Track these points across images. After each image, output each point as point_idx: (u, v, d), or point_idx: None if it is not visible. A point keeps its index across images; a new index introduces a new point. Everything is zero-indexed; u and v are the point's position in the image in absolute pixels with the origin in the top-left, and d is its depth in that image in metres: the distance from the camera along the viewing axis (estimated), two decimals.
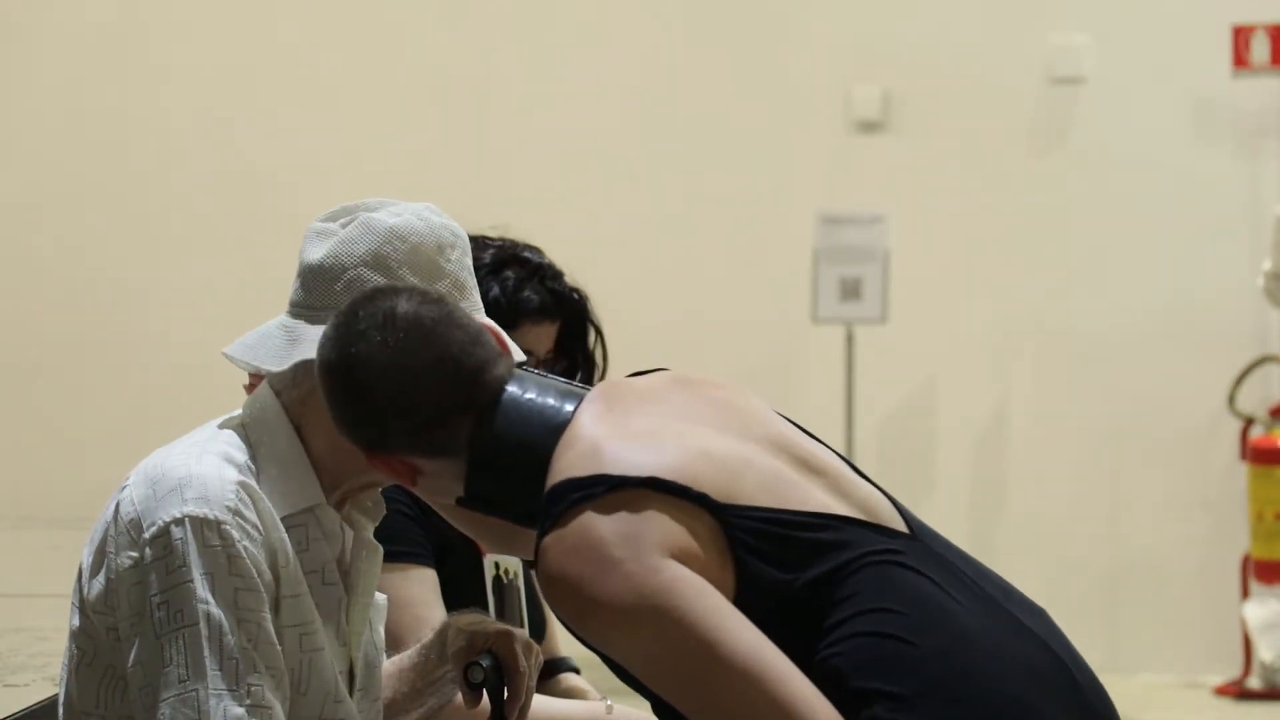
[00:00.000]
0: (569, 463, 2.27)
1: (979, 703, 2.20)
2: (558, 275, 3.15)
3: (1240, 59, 7.18)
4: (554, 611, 2.25)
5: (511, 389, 2.31)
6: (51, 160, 7.78)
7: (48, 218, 7.80)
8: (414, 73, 7.60)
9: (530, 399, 2.31)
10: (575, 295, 3.15)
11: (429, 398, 2.28)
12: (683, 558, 2.20)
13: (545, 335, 3.12)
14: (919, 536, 2.31)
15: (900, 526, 2.30)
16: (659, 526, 2.21)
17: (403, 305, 2.27)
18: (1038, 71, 7.26)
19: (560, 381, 2.37)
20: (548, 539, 2.23)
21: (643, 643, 2.19)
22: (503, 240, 3.16)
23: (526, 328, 2.97)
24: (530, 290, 3.09)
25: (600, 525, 2.21)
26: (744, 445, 2.30)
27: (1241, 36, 7.18)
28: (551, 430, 2.30)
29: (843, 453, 2.44)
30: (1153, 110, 7.25)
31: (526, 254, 3.14)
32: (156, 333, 7.62)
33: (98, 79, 7.75)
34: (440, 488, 2.35)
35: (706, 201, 7.41)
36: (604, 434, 2.28)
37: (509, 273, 3.06)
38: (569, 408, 2.31)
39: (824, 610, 2.22)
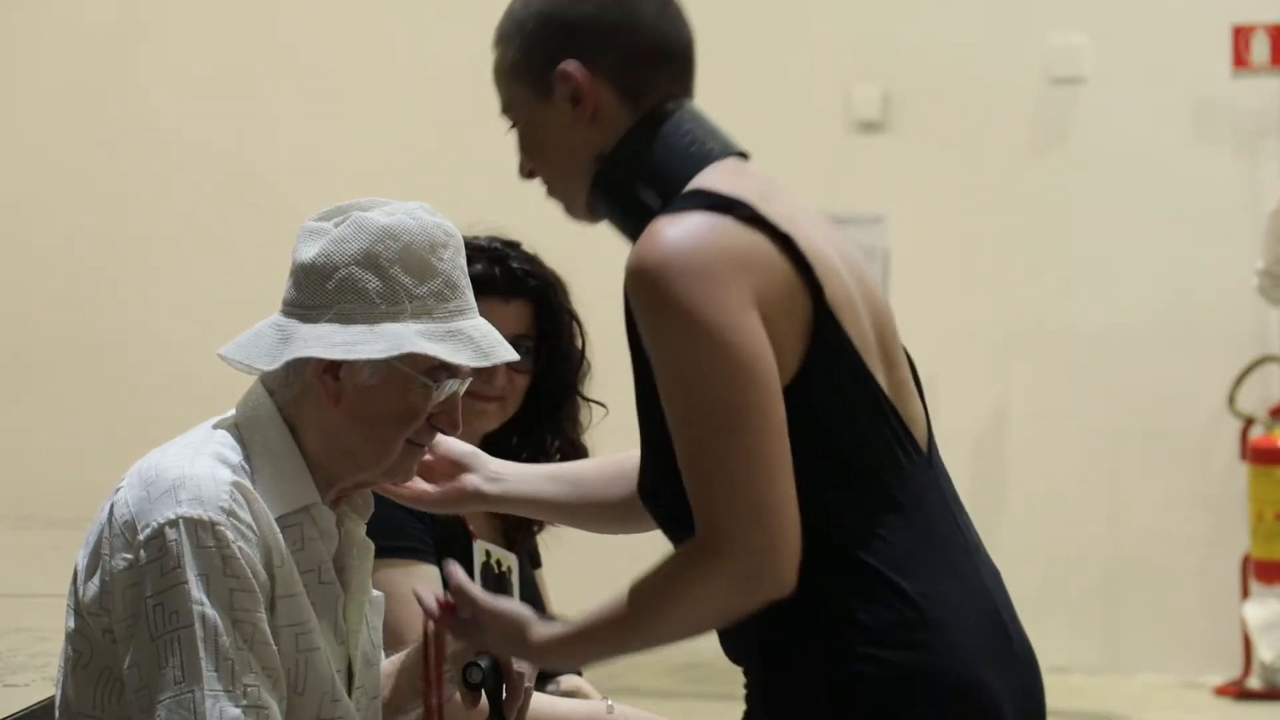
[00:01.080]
0: (716, 179, 2.28)
1: (942, 649, 2.24)
2: (527, 259, 3.13)
3: (1240, 59, 7.18)
4: (628, 280, 2.21)
5: (688, 105, 2.35)
6: (50, 161, 7.78)
7: (47, 218, 7.80)
8: (413, 73, 7.60)
9: (702, 122, 2.34)
10: (535, 280, 3.12)
11: (652, 38, 2.32)
12: (769, 318, 2.19)
13: (509, 317, 3.09)
14: (933, 465, 2.34)
15: (923, 449, 2.33)
16: (772, 279, 2.20)
17: None
18: (1037, 71, 7.26)
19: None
20: (667, 218, 2.21)
21: (685, 365, 2.18)
22: (486, 236, 3.15)
23: (480, 304, 2.94)
24: (481, 265, 3.07)
25: (723, 236, 2.20)
26: (856, 295, 2.30)
27: (1241, 36, 7.18)
28: (709, 155, 2.32)
29: None
30: (1153, 110, 7.24)
31: (496, 243, 3.13)
32: (156, 333, 7.62)
33: (97, 79, 7.75)
34: (574, 141, 2.33)
35: None
36: (754, 184, 2.28)
37: (468, 254, 3.04)
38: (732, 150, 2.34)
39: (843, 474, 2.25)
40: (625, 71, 2.33)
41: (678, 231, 2.20)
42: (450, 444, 2.58)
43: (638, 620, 2.22)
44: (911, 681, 2.22)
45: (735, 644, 2.33)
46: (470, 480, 2.60)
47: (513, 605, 2.35)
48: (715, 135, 2.35)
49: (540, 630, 2.30)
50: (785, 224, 2.24)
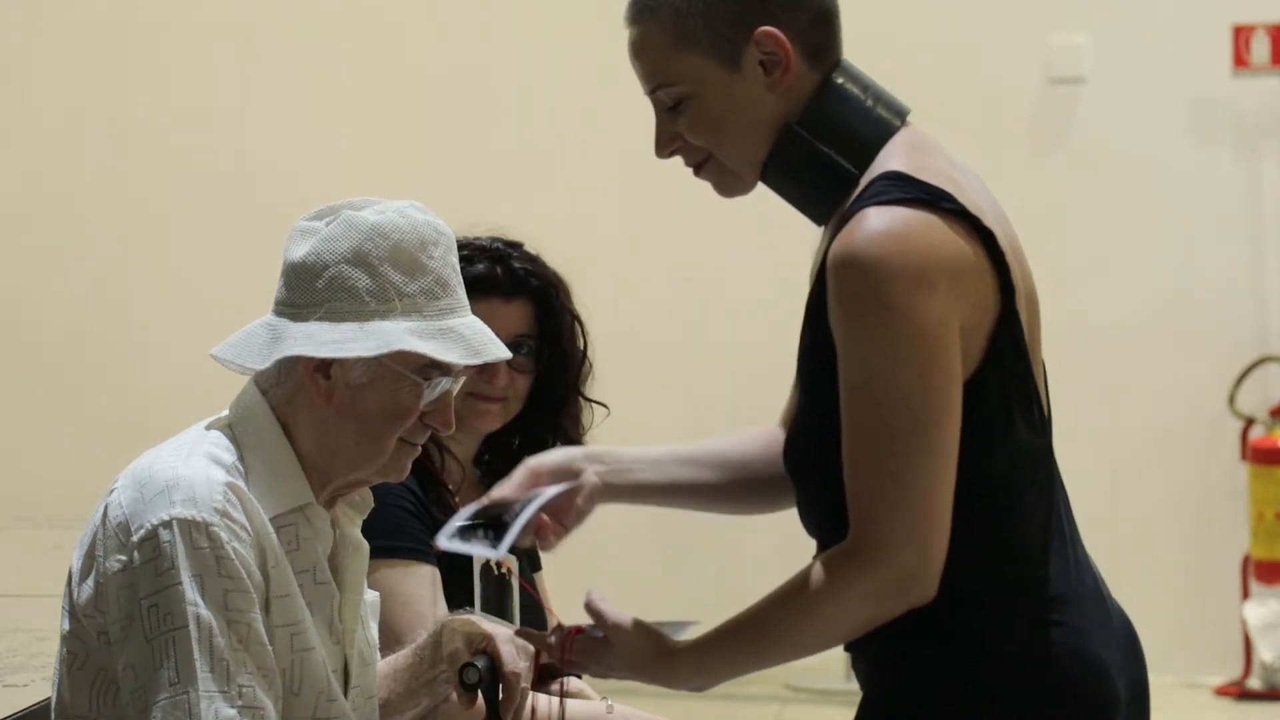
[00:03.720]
0: (909, 157, 2.24)
1: (1070, 631, 2.25)
2: (529, 259, 3.13)
3: (1240, 59, 7.17)
4: (836, 267, 2.17)
5: (847, 62, 2.33)
6: (48, 162, 7.78)
7: (46, 219, 7.79)
8: (412, 74, 7.60)
9: (867, 79, 2.32)
10: (536, 281, 3.11)
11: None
12: (964, 327, 2.17)
13: (510, 317, 3.08)
14: (1051, 445, 2.37)
15: (1049, 429, 2.35)
16: (975, 286, 2.18)
17: None
18: (1037, 72, 7.26)
19: None
20: (878, 209, 2.16)
21: (883, 365, 2.14)
22: (488, 237, 3.15)
23: (481, 305, 2.93)
24: (482, 265, 3.06)
25: (937, 241, 2.15)
26: (1022, 283, 2.30)
27: (1242, 36, 7.18)
28: (892, 119, 2.29)
29: None
30: (1153, 110, 7.24)
31: (498, 244, 3.12)
32: (155, 334, 7.62)
33: (97, 80, 7.75)
34: (761, 110, 2.29)
35: (706, 203, 7.40)
36: (943, 164, 2.25)
37: (468, 253, 3.03)
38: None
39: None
40: (812, 32, 2.29)
41: (894, 228, 2.15)
42: (557, 455, 2.51)
43: (777, 628, 2.18)
44: (1045, 665, 2.23)
45: None
46: (591, 478, 2.47)
47: (640, 622, 2.30)
48: (884, 93, 2.32)
49: (672, 646, 2.25)
50: (982, 217, 2.21)
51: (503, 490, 2.44)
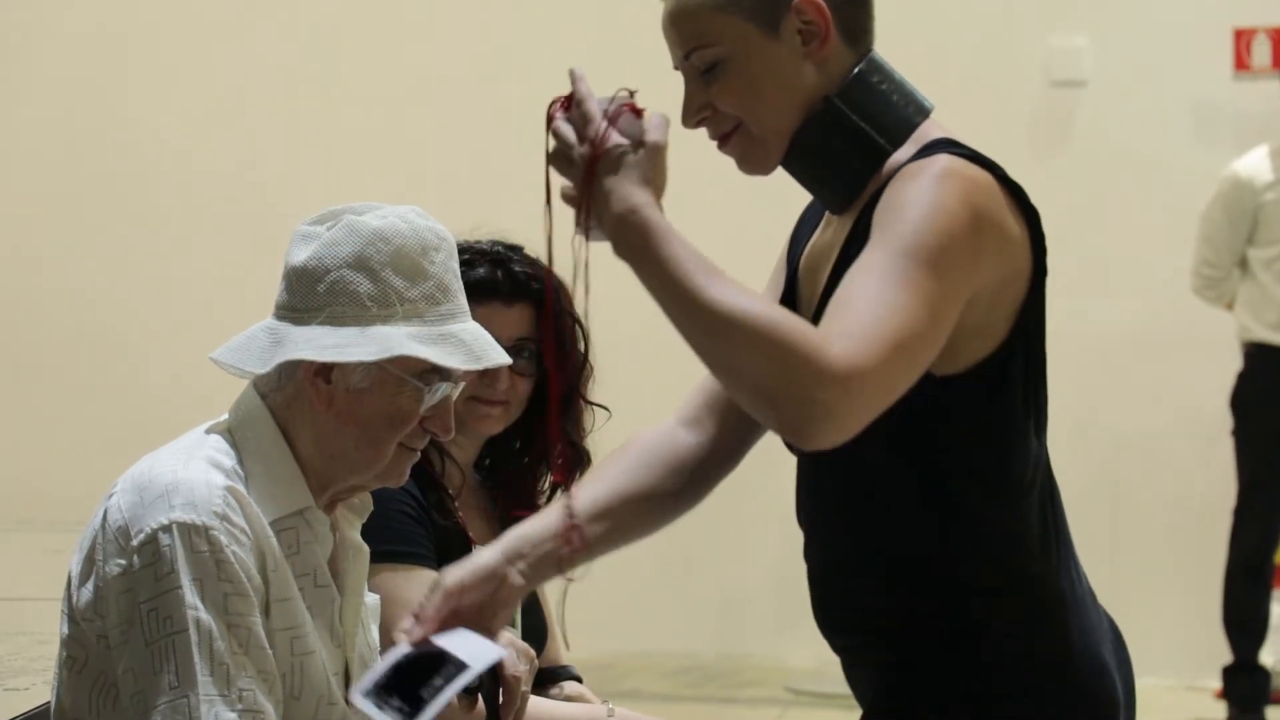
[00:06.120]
0: (946, 132, 2.26)
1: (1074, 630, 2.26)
2: (529, 263, 3.12)
3: (1241, 62, 7.17)
4: (928, 167, 2.16)
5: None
6: (47, 165, 7.78)
7: (46, 222, 7.80)
8: (413, 79, 7.60)
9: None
10: (537, 284, 3.11)
11: None
12: (995, 291, 2.18)
13: (511, 320, 3.08)
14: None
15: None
16: (1015, 260, 2.21)
17: None
18: (1038, 74, 7.26)
19: None
20: (952, 157, 2.17)
21: (938, 212, 2.11)
22: (488, 240, 3.15)
23: (482, 309, 2.93)
24: (483, 269, 3.06)
25: (995, 196, 2.17)
26: None
27: (1242, 39, 7.18)
28: (923, 103, 2.32)
29: None
30: (1154, 113, 7.24)
31: (498, 248, 3.12)
32: (155, 337, 7.62)
33: (96, 82, 7.75)
34: (796, 80, 2.27)
35: (705, 204, 7.40)
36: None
37: (469, 257, 3.03)
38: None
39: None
40: (851, 9, 2.29)
41: (976, 175, 2.17)
42: (472, 569, 2.32)
43: (701, 306, 2.06)
44: (1053, 664, 2.23)
45: (855, 619, 2.31)
46: (515, 580, 2.32)
47: (662, 161, 2.16)
48: (911, 87, 2.34)
49: (652, 204, 2.12)
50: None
51: (425, 624, 2.28)
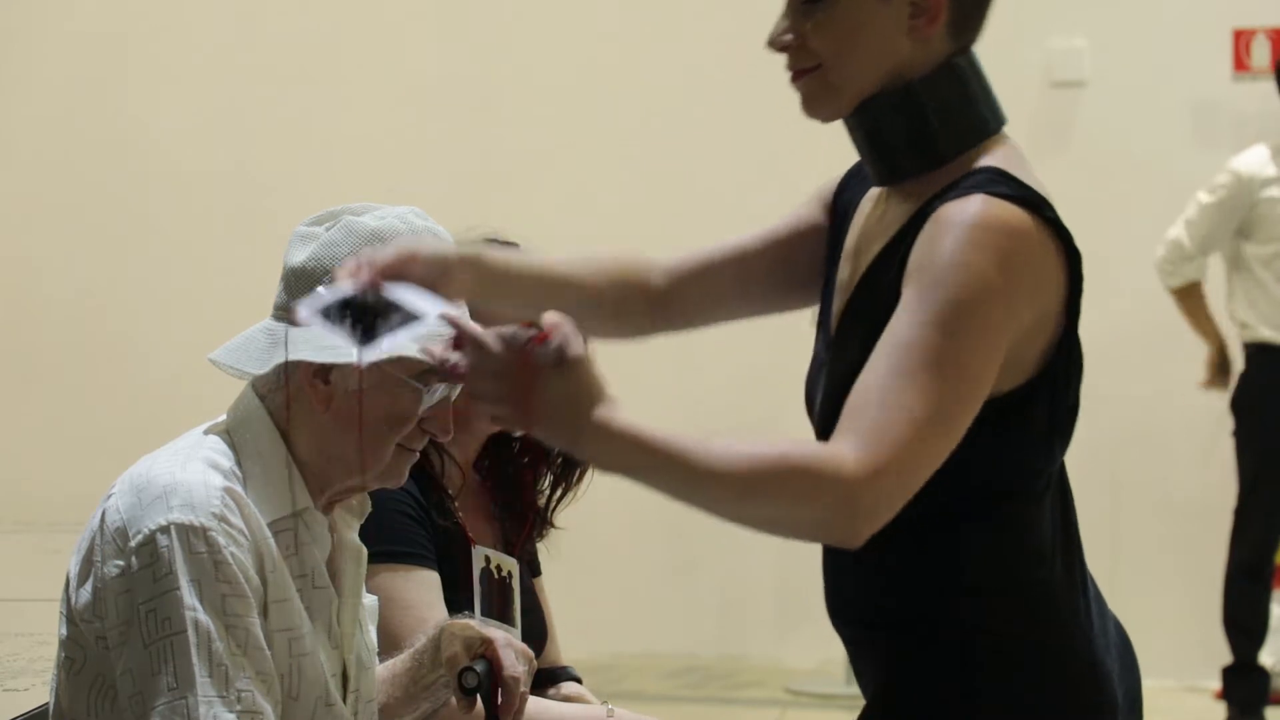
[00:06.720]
0: (1009, 158, 2.23)
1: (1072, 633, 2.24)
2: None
3: (1241, 63, 7.18)
4: (963, 217, 2.12)
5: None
6: (47, 167, 7.79)
7: (45, 225, 7.80)
8: (412, 78, 7.60)
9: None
10: None
11: None
12: (1025, 333, 2.14)
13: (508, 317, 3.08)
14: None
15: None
16: (1047, 302, 2.16)
17: None
18: (1038, 75, 7.26)
19: None
20: (991, 199, 2.13)
21: (956, 302, 2.08)
22: (485, 239, 3.15)
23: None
24: None
25: (1037, 247, 2.13)
26: None
27: (1242, 40, 7.18)
28: (999, 120, 2.28)
29: None
30: (1153, 114, 7.24)
31: (494, 245, 3.12)
32: (155, 338, 7.62)
33: (95, 84, 7.75)
34: (890, 48, 2.24)
35: (706, 204, 7.41)
36: (1032, 172, 2.24)
37: None
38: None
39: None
40: (966, 2, 2.29)
41: (1013, 221, 2.13)
42: (434, 252, 2.25)
43: (711, 480, 2.03)
44: (1049, 669, 2.22)
45: (860, 612, 2.31)
46: (461, 286, 2.27)
47: (591, 368, 2.09)
48: (994, 96, 2.31)
49: (611, 411, 2.05)
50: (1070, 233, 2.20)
51: (372, 270, 2.17)
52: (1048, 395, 2.20)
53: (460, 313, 2.14)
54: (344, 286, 2.13)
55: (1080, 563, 2.31)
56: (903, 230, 2.22)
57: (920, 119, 2.25)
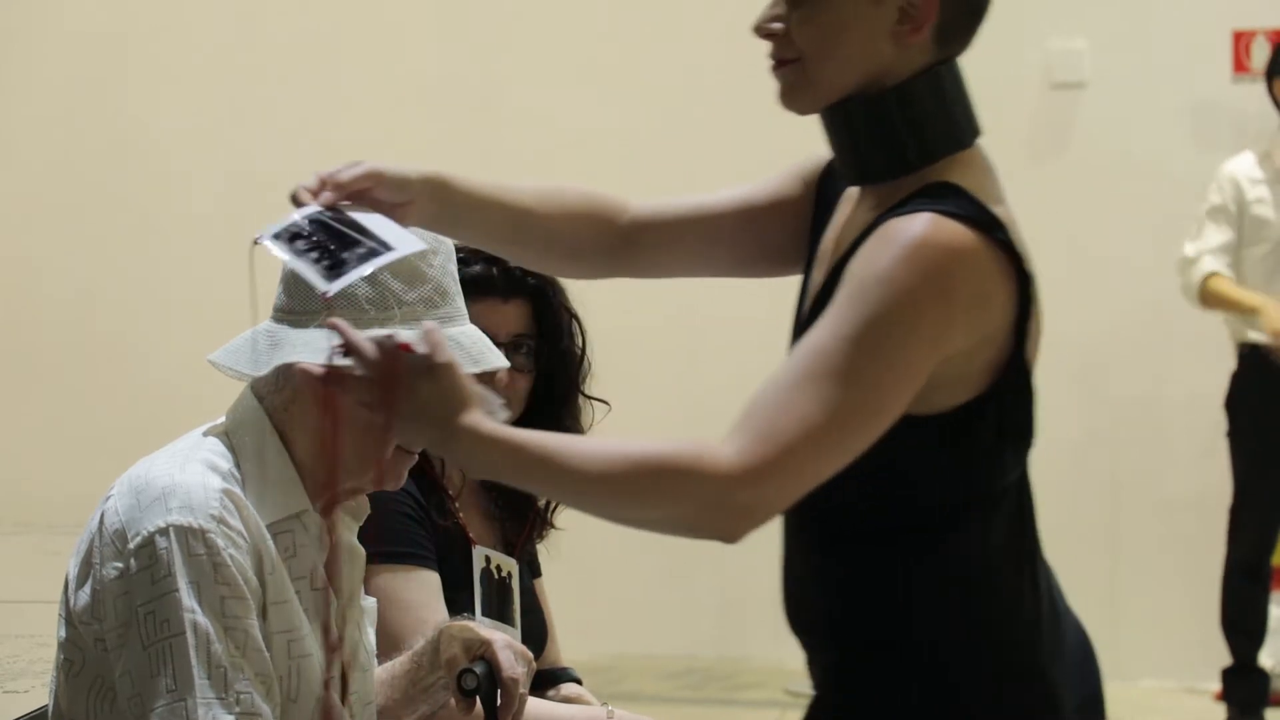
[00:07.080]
0: (972, 176, 2.23)
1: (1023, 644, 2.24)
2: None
3: (1241, 64, 7.17)
4: (902, 234, 2.11)
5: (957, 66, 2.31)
6: (46, 167, 7.79)
7: (45, 225, 7.80)
8: (412, 80, 7.60)
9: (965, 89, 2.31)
10: (533, 280, 3.11)
11: None
12: (966, 352, 2.13)
13: (508, 317, 3.09)
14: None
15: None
16: (993, 323, 2.15)
17: None
18: (1038, 77, 7.26)
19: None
20: (938, 218, 2.13)
21: (878, 318, 2.07)
22: None
23: (479, 305, 2.93)
24: (479, 266, 3.07)
25: (979, 267, 2.13)
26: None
27: (1242, 41, 7.18)
28: (970, 134, 2.28)
29: None
30: (1153, 115, 7.24)
31: None
32: (155, 340, 7.62)
33: (95, 84, 7.75)
34: (873, 49, 2.23)
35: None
36: (997, 188, 2.24)
37: (465, 255, 3.04)
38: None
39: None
40: (957, 12, 2.29)
41: (956, 241, 2.12)
42: (399, 175, 2.35)
43: (581, 481, 2.05)
44: (985, 676, 2.22)
45: (810, 619, 2.30)
46: (421, 210, 2.33)
47: (459, 375, 2.10)
48: (971, 108, 2.31)
49: (478, 415, 2.06)
50: (1025, 255, 2.19)
51: (336, 190, 2.26)
52: (995, 412, 2.19)
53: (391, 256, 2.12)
54: (306, 209, 2.14)
55: (1041, 571, 2.30)
56: (855, 242, 2.22)
57: (890, 125, 2.25)
